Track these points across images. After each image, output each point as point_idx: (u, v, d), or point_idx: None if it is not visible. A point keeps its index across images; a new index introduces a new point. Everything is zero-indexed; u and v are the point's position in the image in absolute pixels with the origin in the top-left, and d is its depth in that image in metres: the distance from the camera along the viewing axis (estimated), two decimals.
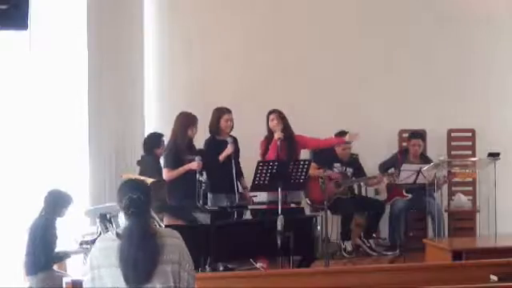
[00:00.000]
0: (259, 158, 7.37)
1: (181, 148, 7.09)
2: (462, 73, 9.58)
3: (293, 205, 7.50)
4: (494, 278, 5.17)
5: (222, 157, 7.14)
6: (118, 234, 3.42)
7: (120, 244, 3.36)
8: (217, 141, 7.20)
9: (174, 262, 3.41)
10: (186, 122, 7.16)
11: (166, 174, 7.04)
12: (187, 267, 3.47)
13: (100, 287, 3.36)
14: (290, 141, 7.44)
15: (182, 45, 9.10)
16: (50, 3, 8.51)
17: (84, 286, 3.44)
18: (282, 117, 7.51)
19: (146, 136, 8.37)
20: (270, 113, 7.59)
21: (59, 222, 6.11)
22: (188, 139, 7.17)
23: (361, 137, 8.27)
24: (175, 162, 7.08)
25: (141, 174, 7.89)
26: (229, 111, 7.34)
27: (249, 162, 7.32)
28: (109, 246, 3.40)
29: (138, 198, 3.44)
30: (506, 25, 9.70)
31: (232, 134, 7.47)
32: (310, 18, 9.34)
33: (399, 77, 9.49)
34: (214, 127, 7.31)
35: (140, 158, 8.26)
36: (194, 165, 6.98)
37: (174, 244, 3.45)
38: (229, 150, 7.14)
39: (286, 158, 7.23)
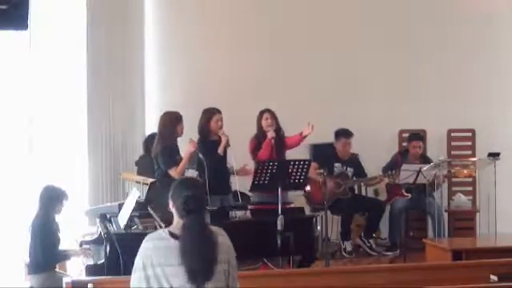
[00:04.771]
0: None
1: (171, 147, 6.89)
2: (462, 73, 9.57)
3: (292, 205, 7.46)
4: (494, 277, 5.17)
5: (220, 149, 7.02)
6: (171, 233, 3.39)
7: (181, 242, 3.33)
8: (209, 141, 7.08)
9: (225, 261, 3.44)
10: (173, 120, 6.87)
11: (174, 173, 6.68)
12: (234, 265, 3.50)
13: (157, 287, 3.32)
14: (280, 141, 7.41)
15: (183, 45, 9.09)
16: (50, 3, 8.53)
17: (132, 285, 3.38)
18: (275, 116, 7.46)
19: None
20: (264, 112, 7.49)
21: (59, 223, 6.09)
22: (176, 138, 6.89)
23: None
24: (172, 159, 6.80)
25: (138, 173, 7.89)
26: (219, 112, 7.13)
27: (245, 161, 7.32)
28: (164, 245, 3.36)
29: (195, 196, 3.44)
30: (507, 25, 9.70)
31: (231, 133, 7.37)
32: (310, 18, 9.34)
33: (399, 77, 9.48)
34: (204, 129, 7.15)
35: (138, 158, 8.28)
36: (191, 147, 6.75)
37: (224, 242, 3.47)
38: (224, 139, 7.04)
39: (276, 157, 7.19)
